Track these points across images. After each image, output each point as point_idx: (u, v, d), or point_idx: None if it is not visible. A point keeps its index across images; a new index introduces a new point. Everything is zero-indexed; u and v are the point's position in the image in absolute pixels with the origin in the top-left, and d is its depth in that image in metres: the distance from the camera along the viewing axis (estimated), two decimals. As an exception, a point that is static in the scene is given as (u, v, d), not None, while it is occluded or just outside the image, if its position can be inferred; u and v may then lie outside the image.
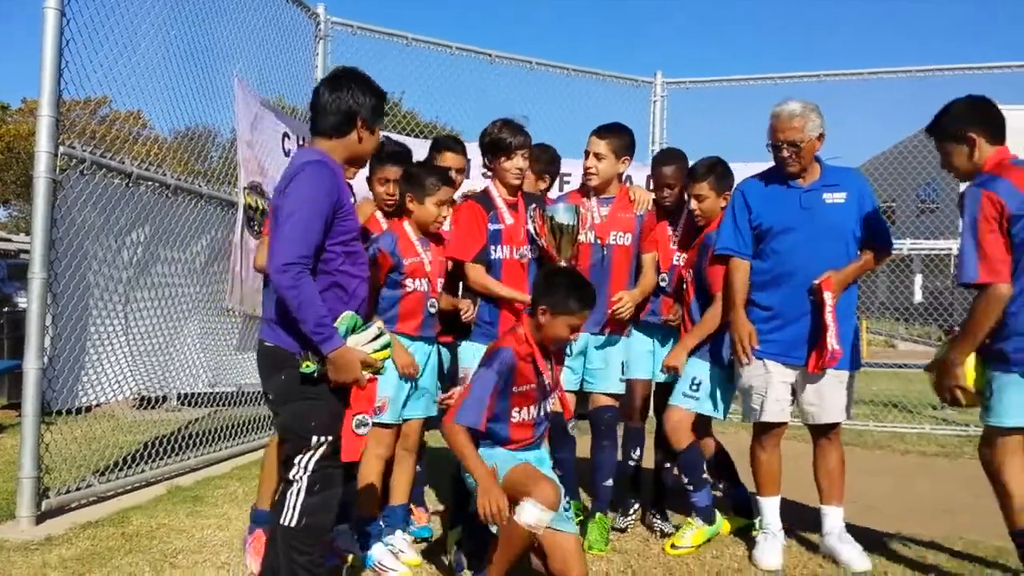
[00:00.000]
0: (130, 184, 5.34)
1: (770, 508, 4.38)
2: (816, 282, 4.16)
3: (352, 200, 3.31)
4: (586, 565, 3.64)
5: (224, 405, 6.72)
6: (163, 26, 5.66)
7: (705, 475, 4.56)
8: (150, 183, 5.57)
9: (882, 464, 7.00)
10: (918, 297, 18.89)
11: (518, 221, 4.40)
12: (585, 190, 4.72)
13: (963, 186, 3.92)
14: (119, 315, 5.42)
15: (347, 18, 7.93)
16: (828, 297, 4.11)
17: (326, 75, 3.46)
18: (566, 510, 3.71)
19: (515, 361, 3.61)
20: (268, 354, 3.07)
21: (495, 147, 4.35)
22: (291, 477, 3.03)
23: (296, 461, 3.03)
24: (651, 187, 4.98)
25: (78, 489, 4.88)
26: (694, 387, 4.54)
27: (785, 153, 4.20)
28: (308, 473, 3.02)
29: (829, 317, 4.11)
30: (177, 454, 5.88)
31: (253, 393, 6.72)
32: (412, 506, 4.42)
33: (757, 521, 4.45)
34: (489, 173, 4.52)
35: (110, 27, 5.06)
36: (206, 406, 6.59)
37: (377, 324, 3.13)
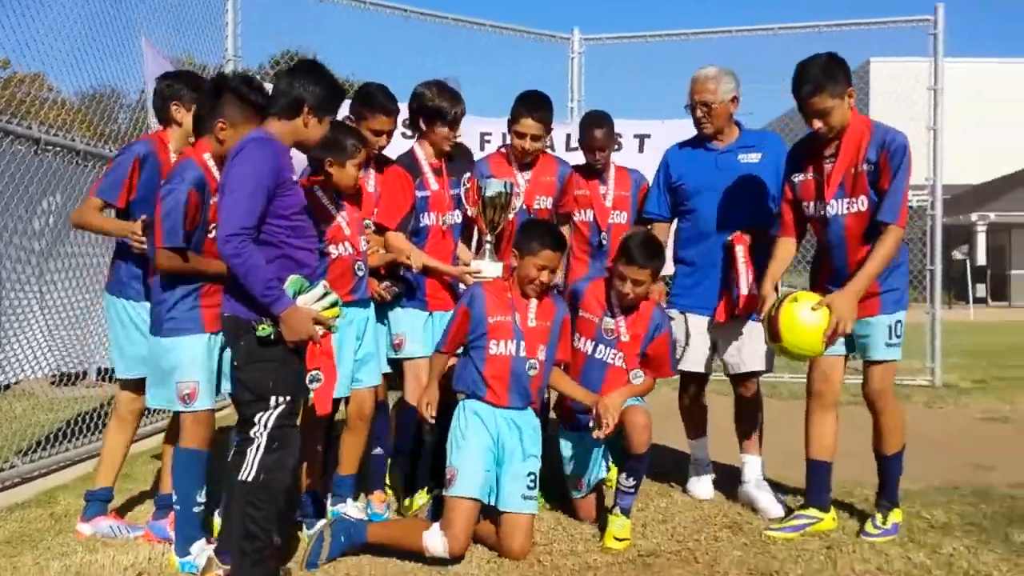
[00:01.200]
0: (38, 151, 5.12)
1: (697, 448, 4.78)
2: (729, 238, 4.41)
3: (294, 176, 3.39)
4: (530, 542, 3.83)
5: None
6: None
7: None
8: (58, 149, 5.35)
9: (793, 415, 7.24)
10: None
11: (443, 187, 4.39)
12: (507, 156, 4.74)
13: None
14: (33, 288, 5.26)
15: (258, -27, 7.72)
16: (739, 251, 4.37)
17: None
18: (530, 488, 3.88)
19: (483, 292, 3.95)
20: (227, 324, 3.31)
21: (433, 114, 4.30)
22: (251, 434, 3.22)
23: (256, 419, 3.22)
24: (577, 146, 5.02)
25: (1, 471, 4.73)
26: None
27: (699, 113, 4.49)
28: (267, 431, 3.21)
29: (742, 267, 4.35)
30: (101, 431, 5.71)
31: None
32: (374, 491, 4.36)
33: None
34: (410, 134, 4.50)
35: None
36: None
37: (323, 283, 3.30)
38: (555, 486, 4.51)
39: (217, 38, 7.53)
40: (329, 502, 4.17)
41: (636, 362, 4.20)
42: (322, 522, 3.81)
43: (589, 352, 4.19)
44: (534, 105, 4.55)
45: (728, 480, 4.78)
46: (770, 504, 4.40)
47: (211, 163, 3.55)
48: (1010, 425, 6.89)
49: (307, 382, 3.47)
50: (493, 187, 4.21)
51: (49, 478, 4.99)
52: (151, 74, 5.82)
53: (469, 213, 4.36)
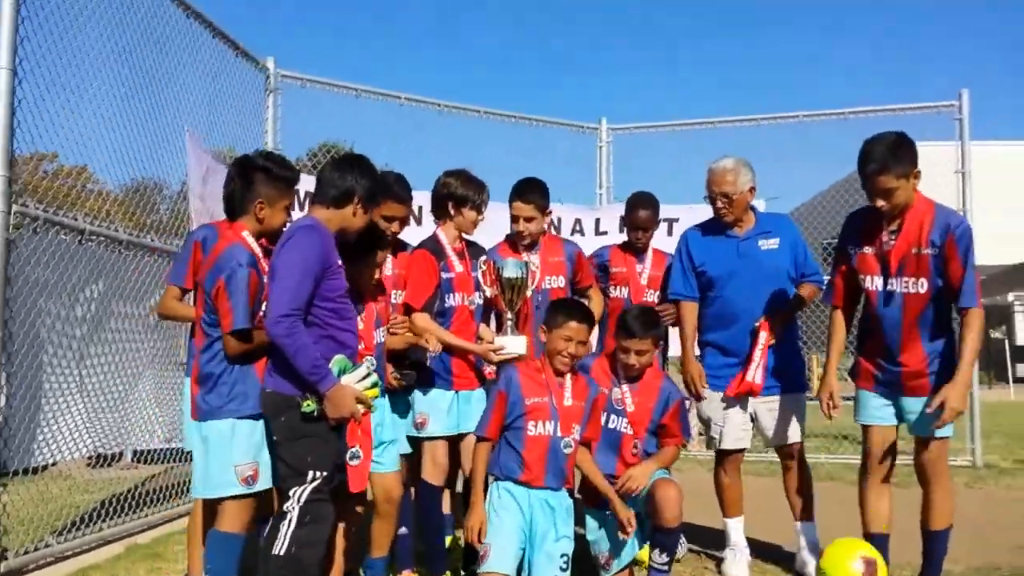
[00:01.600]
0: (82, 240, 5.32)
1: (735, 528, 4.75)
2: (756, 324, 4.60)
3: (339, 261, 3.52)
4: None
5: (180, 461, 6.59)
6: (114, 82, 5.71)
7: None
8: (101, 239, 5.55)
9: (832, 494, 7.15)
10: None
11: (467, 268, 4.54)
12: (513, 244, 4.86)
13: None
14: (74, 372, 5.38)
15: (297, 71, 8.05)
16: (762, 337, 4.58)
17: (336, 157, 3.93)
18: (563, 569, 3.87)
19: (518, 374, 3.99)
20: (268, 399, 3.39)
21: (460, 201, 4.50)
22: (285, 509, 3.29)
23: (291, 494, 3.30)
24: (606, 231, 5.18)
25: (36, 550, 4.79)
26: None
27: (719, 204, 4.66)
28: (300, 504, 3.28)
29: (757, 353, 4.58)
30: (134, 511, 5.80)
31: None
32: (403, 572, 4.39)
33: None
34: (435, 220, 4.66)
35: (61, 85, 5.09)
36: (162, 462, 6.52)
37: (366, 364, 3.43)
38: (586, 566, 4.46)
39: (257, 132, 7.84)
40: None
41: (643, 433, 4.26)
42: None
43: (602, 423, 4.24)
44: (523, 189, 4.73)
45: (767, 562, 4.77)
46: None
47: (252, 241, 3.63)
48: (1053, 506, 6.71)
49: (347, 459, 3.49)
50: (510, 268, 4.37)
51: (82, 557, 5.04)
52: (194, 167, 6.07)
53: (488, 294, 4.51)
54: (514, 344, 4.37)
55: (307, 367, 3.23)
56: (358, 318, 4.02)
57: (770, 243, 4.74)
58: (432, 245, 4.53)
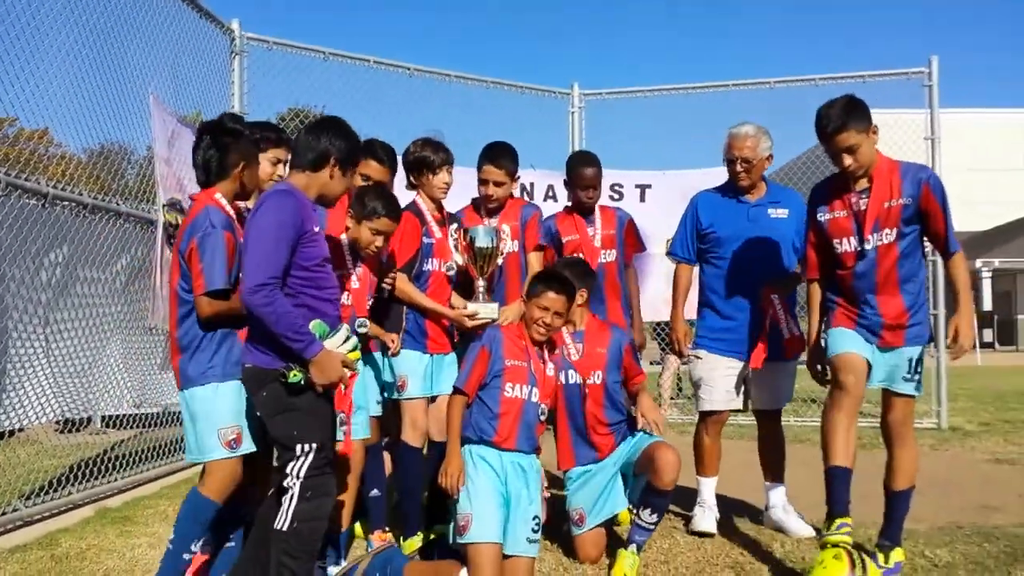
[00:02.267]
0: (46, 204, 5.26)
1: (708, 486, 4.86)
2: (763, 290, 4.71)
3: (319, 228, 3.44)
4: None
5: (150, 426, 6.62)
6: (74, 45, 5.61)
7: None
8: (66, 203, 5.49)
9: (799, 457, 7.23)
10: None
11: (444, 235, 4.57)
12: (477, 208, 4.91)
13: None
14: (39, 337, 5.36)
15: (263, 34, 7.94)
16: (775, 299, 4.70)
17: (311, 121, 3.77)
18: (534, 531, 3.94)
19: (501, 335, 4.10)
20: (249, 375, 3.29)
21: (420, 165, 4.52)
22: (285, 485, 3.22)
23: (288, 470, 3.21)
24: (571, 189, 5.14)
25: (3, 514, 4.78)
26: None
27: (738, 168, 4.78)
28: (300, 480, 3.20)
29: (782, 314, 4.71)
30: (104, 476, 5.78)
31: (178, 412, 6.62)
32: (375, 531, 4.39)
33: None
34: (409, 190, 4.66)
35: (19, 48, 4.99)
36: (131, 427, 6.50)
37: (345, 327, 3.32)
38: (557, 527, 4.53)
39: (224, 96, 7.75)
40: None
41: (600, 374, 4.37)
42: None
43: (563, 381, 4.36)
44: (494, 153, 4.76)
45: (730, 522, 4.85)
46: (799, 525, 4.68)
47: (225, 203, 3.61)
48: (1016, 467, 6.84)
49: (338, 424, 3.45)
50: (482, 238, 4.43)
51: (50, 522, 5.03)
52: (159, 130, 5.99)
53: (459, 261, 4.55)
54: (486, 310, 4.46)
55: (291, 333, 3.10)
56: (354, 277, 4.07)
57: (779, 212, 4.86)
58: (414, 209, 4.55)
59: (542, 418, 4.05)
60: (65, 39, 5.46)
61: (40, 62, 5.19)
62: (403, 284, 4.40)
